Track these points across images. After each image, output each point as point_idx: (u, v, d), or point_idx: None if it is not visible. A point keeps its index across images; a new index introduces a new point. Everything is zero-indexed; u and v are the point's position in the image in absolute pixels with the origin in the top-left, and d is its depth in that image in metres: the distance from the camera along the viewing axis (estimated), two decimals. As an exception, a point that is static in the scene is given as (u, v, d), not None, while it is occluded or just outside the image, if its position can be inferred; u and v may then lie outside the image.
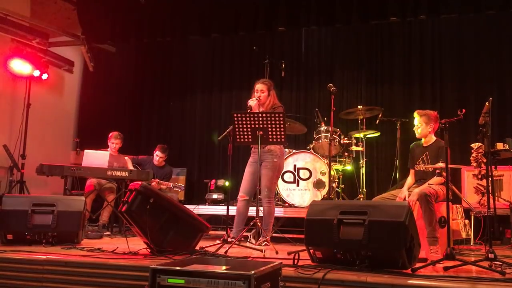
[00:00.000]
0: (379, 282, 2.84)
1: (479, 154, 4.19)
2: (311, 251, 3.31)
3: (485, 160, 4.12)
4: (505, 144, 5.30)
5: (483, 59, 6.90)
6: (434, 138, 4.55)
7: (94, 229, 5.62)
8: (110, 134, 6.54)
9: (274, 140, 4.47)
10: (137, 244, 4.09)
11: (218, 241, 4.46)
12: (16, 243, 4.17)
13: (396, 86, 7.33)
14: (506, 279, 2.86)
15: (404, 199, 4.28)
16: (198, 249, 3.92)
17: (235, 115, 4.47)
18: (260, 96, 4.89)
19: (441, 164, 4.11)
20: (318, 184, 5.95)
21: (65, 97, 8.27)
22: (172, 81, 8.66)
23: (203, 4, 6.91)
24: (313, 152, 6.12)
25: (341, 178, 6.33)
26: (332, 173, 5.75)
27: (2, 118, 7.00)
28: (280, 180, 5.89)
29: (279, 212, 5.75)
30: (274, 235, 5.32)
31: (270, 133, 4.43)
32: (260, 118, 4.41)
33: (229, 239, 4.24)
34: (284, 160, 5.48)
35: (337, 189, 6.18)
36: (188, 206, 4.51)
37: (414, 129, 4.60)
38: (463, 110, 3.55)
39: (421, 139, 4.61)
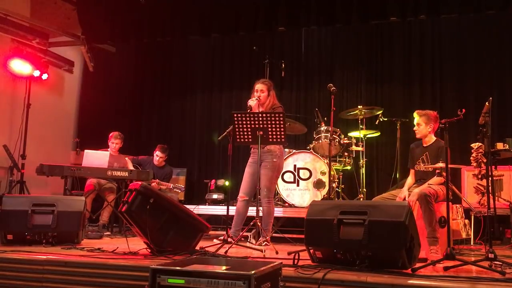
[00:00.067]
0: (379, 282, 2.84)
1: (479, 154, 4.19)
2: (311, 251, 3.31)
3: (485, 160, 4.12)
4: (505, 144, 5.31)
5: (483, 59, 6.90)
6: (434, 138, 4.55)
7: (94, 229, 5.61)
8: (110, 134, 6.54)
9: (274, 140, 4.47)
10: (137, 244, 4.09)
11: (215, 240, 4.47)
12: (16, 243, 4.17)
13: (396, 86, 7.33)
14: (506, 279, 2.86)
15: (404, 199, 4.27)
16: (198, 249, 3.92)
17: (235, 115, 4.47)
18: (260, 96, 4.89)
19: (441, 164, 4.11)
20: (318, 184, 5.95)
21: (65, 97, 8.26)
22: (172, 81, 8.66)
23: (203, 4, 6.91)
24: (313, 152, 6.12)
25: (341, 178, 6.32)
26: (332, 173, 5.74)
27: (2, 118, 6.99)
28: (280, 180, 5.90)
29: (279, 212, 5.75)
30: (274, 235, 5.32)
31: (270, 133, 4.43)
32: (260, 118, 4.40)
33: (228, 239, 4.24)
34: (284, 160, 5.49)
35: (337, 189, 6.18)
36: (188, 206, 4.51)
37: (414, 129, 4.60)
38: (463, 110, 3.54)
39: (421, 139, 4.61)
